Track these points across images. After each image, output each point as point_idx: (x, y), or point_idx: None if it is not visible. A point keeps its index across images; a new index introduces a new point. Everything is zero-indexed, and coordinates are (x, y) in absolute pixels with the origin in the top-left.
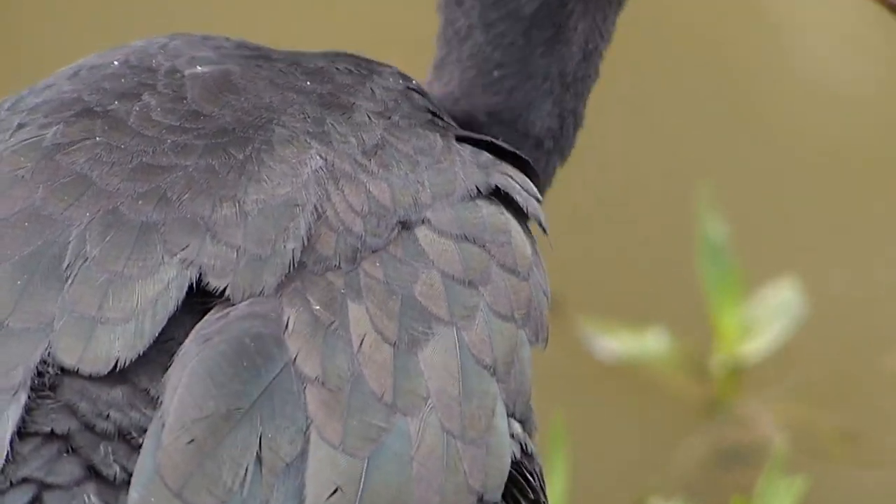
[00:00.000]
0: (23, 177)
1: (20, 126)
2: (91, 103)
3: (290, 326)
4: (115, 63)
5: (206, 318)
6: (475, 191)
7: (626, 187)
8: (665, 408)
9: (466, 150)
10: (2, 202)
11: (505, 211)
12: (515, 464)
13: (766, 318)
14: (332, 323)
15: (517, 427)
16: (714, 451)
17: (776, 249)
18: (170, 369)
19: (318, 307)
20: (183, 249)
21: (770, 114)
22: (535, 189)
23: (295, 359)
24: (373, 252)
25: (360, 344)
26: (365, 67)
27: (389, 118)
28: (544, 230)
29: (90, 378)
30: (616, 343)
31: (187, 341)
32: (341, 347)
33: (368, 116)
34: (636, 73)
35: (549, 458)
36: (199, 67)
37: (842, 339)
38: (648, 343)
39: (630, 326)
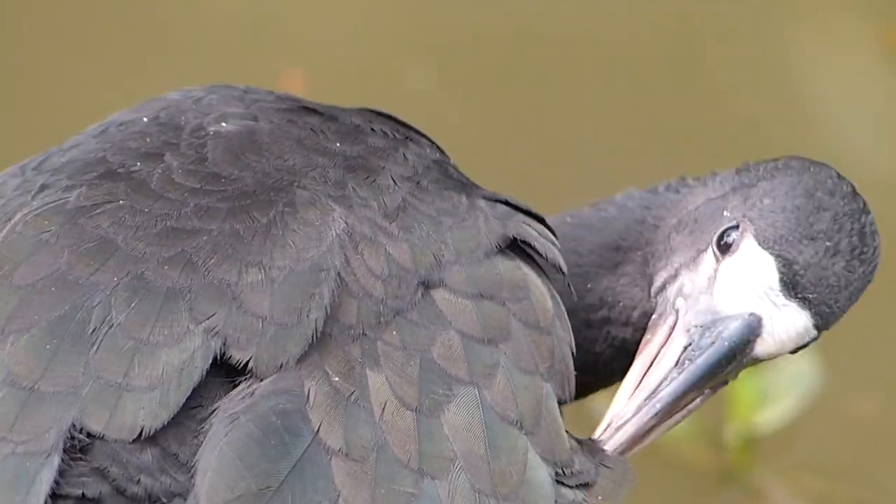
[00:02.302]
0: (47, 241)
1: (43, 187)
2: (114, 164)
3: (312, 399)
4: (145, 120)
5: (231, 395)
6: (497, 245)
7: None
8: (680, 478)
9: (487, 205)
10: (28, 267)
11: (522, 266)
12: None
13: (780, 389)
14: (353, 393)
15: (578, 477)
16: None
17: None
18: (199, 450)
19: (337, 378)
20: (209, 318)
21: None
22: (552, 236)
23: (318, 431)
24: (396, 314)
25: (382, 412)
26: (402, 133)
27: (417, 182)
28: (564, 274)
29: (120, 442)
30: None
31: (215, 421)
32: (363, 417)
33: (393, 180)
34: (665, 152)
35: None
36: (224, 125)
37: (856, 409)
38: None
39: None
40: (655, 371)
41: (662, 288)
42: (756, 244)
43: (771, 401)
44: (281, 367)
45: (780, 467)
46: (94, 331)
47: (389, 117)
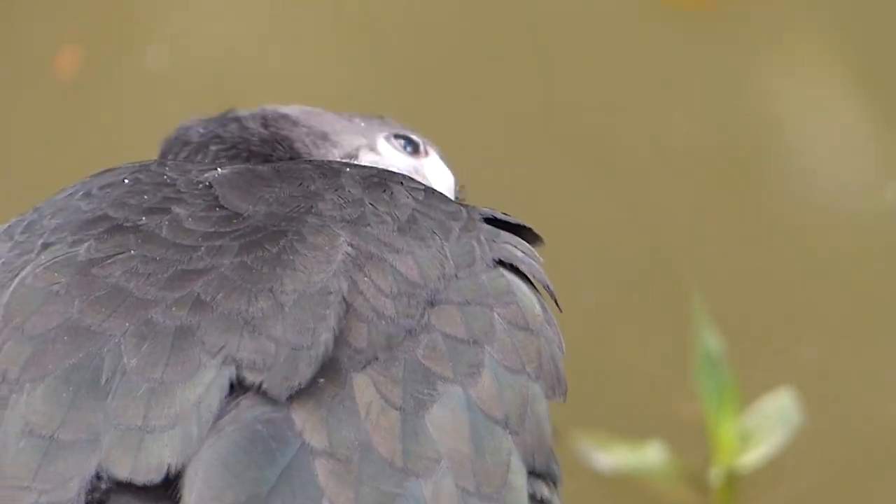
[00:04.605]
0: (58, 292)
1: (46, 245)
2: (119, 219)
3: (295, 401)
4: (126, 181)
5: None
6: (491, 262)
7: (623, 301)
8: None
9: (480, 223)
10: (39, 318)
11: (506, 273)
12: None
13: (763, 429)
14: (337, 394)
15: (541, 487)
16: None
17: (773, 361)
18: (187, 464)
19: (322, 380)
20: (221, 349)
21: (768, 225)
22: (536, 254)
23: (301, 433)
24: (407, 333)
25: (367, 411)
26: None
27: (424, 190)
28: (552, 294)
29: (143, 491)
30: (614, 457)
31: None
32: (347, 417)
33: (407, 192)
34: (632, 181)
35: None
36: (218, 170)
37: (839, 449)
38: (647, 456)
39: (628, 440)
40: None
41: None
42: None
43: (754, 441)
44: (294, 388)
45: None
46: (108, 378)
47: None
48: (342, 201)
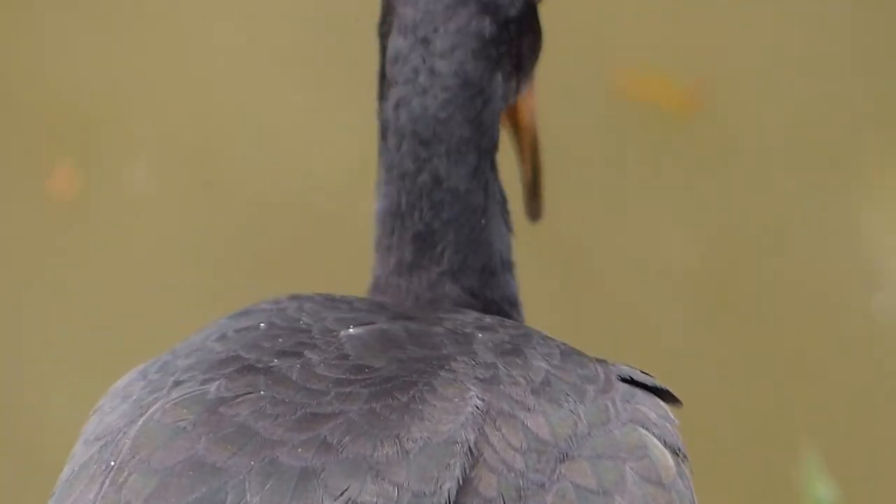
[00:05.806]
0: (185, 428)
1: (177, 383)
2: (250, 360)
3: None
4: (262, 325)
5: None
6: (625, 420)
7: (732, 448)
8: None
9: (617, 383)
10: (164, 453)
11: (639, 428)
12: None
13: None
14: None
15: None
16: None
17: None
18: None
19: None
20: (344, 491)
21: (877, 368)
22: (671, 416)
23: None
24: (539, 487)
25: None
26: (510, 323)
27: (558, 357)
28: (685, 457)
29: None
30: None
31: None
32: None
33: (538, 358)
34: (739, 332)
35: None
36: (351, 329)
37: None
38: None
39: None
40: None
41: None
42: None
43: None
44: None
45: None
46: None
47: (475, 314)
48: (475, 363)
